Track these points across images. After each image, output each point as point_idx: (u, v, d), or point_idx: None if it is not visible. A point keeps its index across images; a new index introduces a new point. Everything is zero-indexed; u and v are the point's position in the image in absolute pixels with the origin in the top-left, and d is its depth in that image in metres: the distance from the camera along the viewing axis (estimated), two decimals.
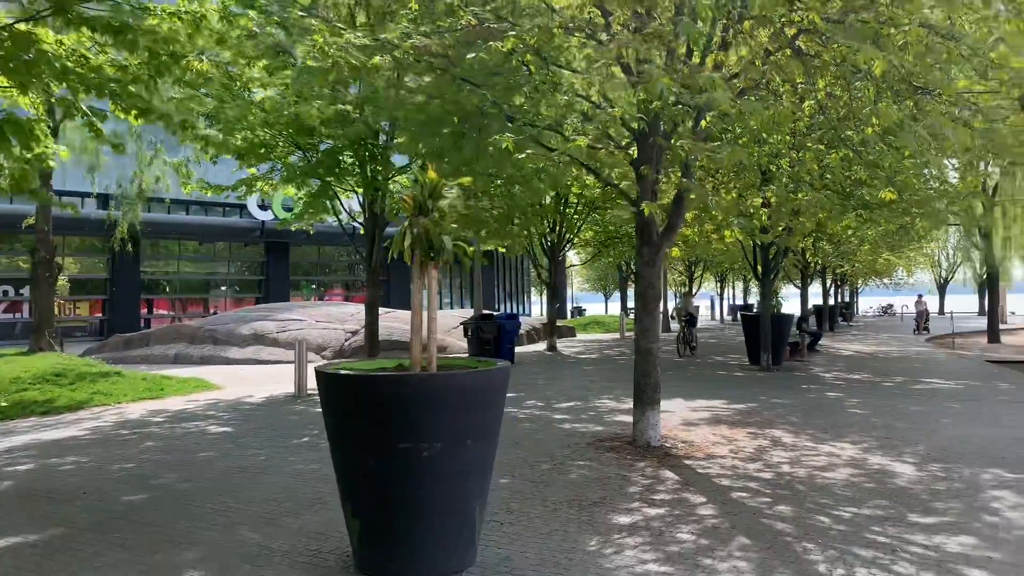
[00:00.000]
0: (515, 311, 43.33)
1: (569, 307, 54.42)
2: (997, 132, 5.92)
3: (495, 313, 19.71)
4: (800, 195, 8.26)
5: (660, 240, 7.63)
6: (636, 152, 7.48)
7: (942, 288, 55.61)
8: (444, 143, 7.62)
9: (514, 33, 5.12)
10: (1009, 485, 5.85)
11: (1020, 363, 17.52)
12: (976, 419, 9.03)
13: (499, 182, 12.22)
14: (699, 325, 37.15)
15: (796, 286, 26.09)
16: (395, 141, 10.95)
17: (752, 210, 9.01)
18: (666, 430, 8.35)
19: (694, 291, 40.36)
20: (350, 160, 12.78)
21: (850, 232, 21.08)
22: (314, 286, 37.24)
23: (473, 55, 5.32)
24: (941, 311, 50.57)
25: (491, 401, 4.26)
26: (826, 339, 24.46)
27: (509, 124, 6.97)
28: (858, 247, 23.83)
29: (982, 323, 29.07)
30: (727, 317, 45.85)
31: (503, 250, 21.57)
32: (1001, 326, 26.89)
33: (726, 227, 8.77)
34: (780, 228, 10.93)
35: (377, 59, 6.07)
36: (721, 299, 47.57)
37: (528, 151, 5.74)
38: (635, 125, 7.23)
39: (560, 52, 5.81)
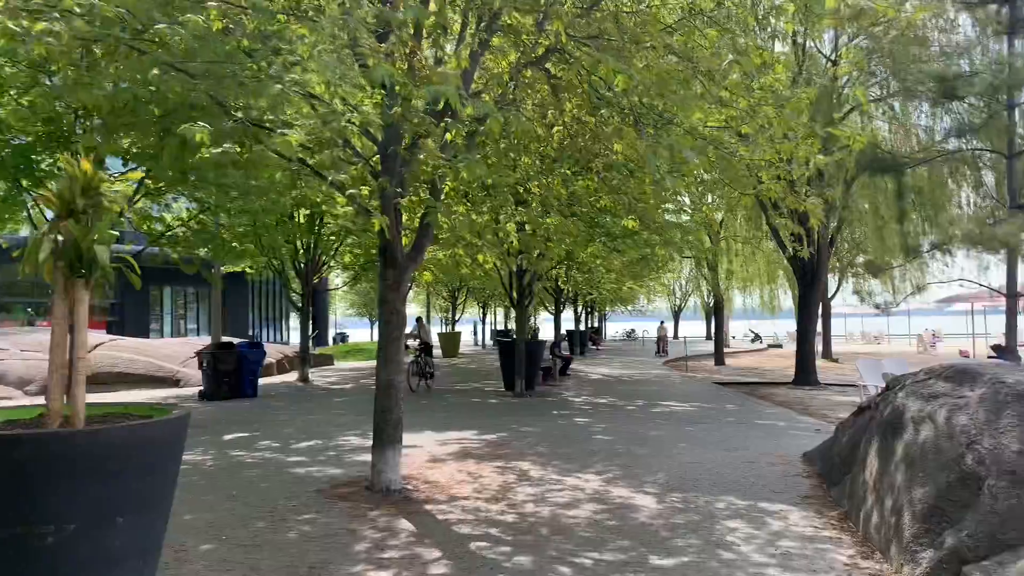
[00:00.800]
0: (273, 338, 40.65)
1: (332, 333, 52.43)
2: (730, 163, 6.06)
3: (236, 341, 17.96)
4: (549, 220, 8.13)
5: (406, 262, 6.99)
6: (380, 165, 6.81)
7: (677, 315, 61.22)
8: (150, 141, 6.40)
9: (215, 3, 4.24)
10: (741, 513, 5.87)
11: (741, 384, 19.23)
12: (709, 442, 9.38)
13: (234, 194, 10.91)
14: (461, 351, 37.51)
15: (550, 312, 27.01)
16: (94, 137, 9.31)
17: (503, 234, 8.75)
18: (410, 469, 7.68)
19: (457, 317, 40.65)
20: (50, 161, 10.81)
21: (598, 261, 22.17)
22: (29, 310, 32.12)
23: (163, 25, 4.32)
24: (676, 336, 55.56)
25: (157, 462, 3.27)
26: (577, 363, 25.43)
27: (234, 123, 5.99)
28: (605, 275, 25.17)
29: (710, 347, 32.00)
30: (488, 342, 46.69)
31: (251, 271, 19.83)
32: (725, 350, 29.75)
33: (478, 251, 8.41)
34: (536, 254, 10.86)
35: (42, 25, 4.82)
36: (483, 325, 48.40)
37: (224, 145, 4.82)
38: (376, 133, 6.59)
39: (283, 39, 4.99)
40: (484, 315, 47.51)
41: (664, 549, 4.99)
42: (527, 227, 9.80)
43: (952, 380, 5.03)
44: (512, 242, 8.43)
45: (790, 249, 17.01)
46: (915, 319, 51.71)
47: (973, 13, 14.97)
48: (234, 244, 14.85)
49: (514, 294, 15.57)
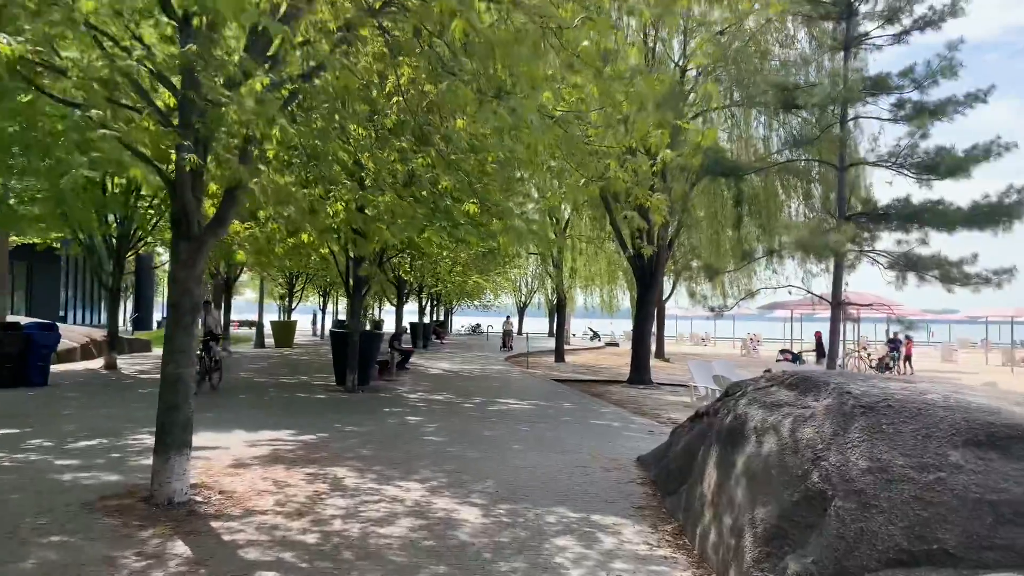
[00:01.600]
0: (91, 320, 36.65)
1: (157, 317, 48.36)
2: (578, 145, 5.55)
3: (27, 321, 15.71)
4: (382, 199, 7.30)
5: (203, 235, 5.95)
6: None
7: (521, 311, 61.81)
8: None
9: None
10: (572, 528, 5.36)
11: (579, 382, 19.22)
12: (543, 444, 8.93)
13: (16, 150, 9.25)
14: (298, 340, 35.50)
15: (393, 303, 26.04)
16: None
17: (333, 212, 7.81)
18: (206, 476, 6.64)
19: (294, 305, 38.53)
20: None
21: (444, 253, 21.48)
22: None
23: None
24: (520, 331, 56.01)
25: None
26: (419, 357, 24.65)
27: None
28: (450, 268, 24.58)
29: (552, 344, 32.22)
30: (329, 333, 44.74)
31: (46, 242, 17.44)
32: (566, 347, 30.01)
33: (297, 227, 7.44)
34: (375, 238, 9.95)
35: None
36: (324, 314, 46.42)
37: None
38: (172, 77, 5.53)
39: None
40: (325, 303, 45.55)
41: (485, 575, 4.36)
42: (363, 208, 8.94)
43: (795, 388, 4.75)
44: (342, 219, 7.54)
45: (631, 248, 17.13)
46: (739, 323, 55.24)
47: (811, 29, 15.65)
48: (22, 212, 12.85)
49: (350, 282, 14.58)
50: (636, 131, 5.25)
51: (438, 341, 38.64)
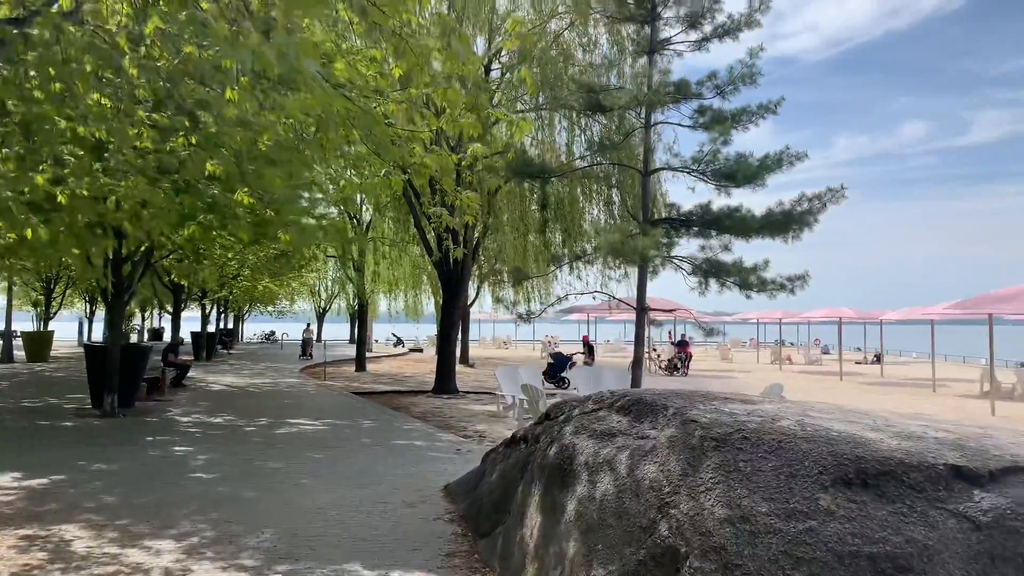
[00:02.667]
0: None
1: None
2: (377, 122, 4.59)
3: None
4: (124, 184, 5.83)
5: None
6: None
7: (321, 317, 59.05)
8: None
9: None
10: None
11: (381, 394, 18.09)
12: (337, 475, 7.81)
13: None
14: (60, 353, 30.95)
15: (168, 312, 23.31)
16: None
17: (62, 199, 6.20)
18: None
19: (54, 313, 33.68)
20: None
21: (230, 255, 19.43)
22: None
23: None
24: (319, 339, 53.37)
25: None
26: (201, 371, 22.20)
27: None
28: (239, 271, 22.40)
29: (353, 351, 30.67)
30: None
31: None
32: (368, 354, 28.65)
33: (21, 221, 5.78)
34: (133, 233, 8.24)
35: None
36: (91, 323, 41.23)
37: None
38: None
39: None
40: (92, 311, 40.51)
41: None
42: (118, 200, 7.28)
43: (628, 413, 4.10)
44: (68, 208, 5.97)
45: (437, 252, 16.33)
46: (538, 326, 56.62)
47: (613, 33, 15.75)
48: None
49: (109, 287, 12.47)
50: (447, 108, 4.38)
51: (225, 352, 35.56)
